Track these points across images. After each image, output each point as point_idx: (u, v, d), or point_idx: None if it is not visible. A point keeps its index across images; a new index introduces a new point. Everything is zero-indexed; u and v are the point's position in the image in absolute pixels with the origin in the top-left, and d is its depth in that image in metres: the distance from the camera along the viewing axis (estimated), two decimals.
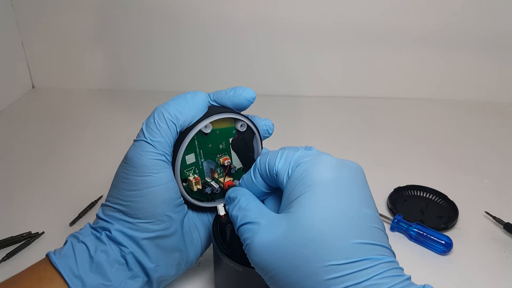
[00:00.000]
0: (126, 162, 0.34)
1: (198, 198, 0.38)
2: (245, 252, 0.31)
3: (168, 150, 0.35)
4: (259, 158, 0.35)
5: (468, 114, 0.77)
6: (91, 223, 0.36)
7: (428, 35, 0.77)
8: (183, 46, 0.81)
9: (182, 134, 0.36)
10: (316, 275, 0.27)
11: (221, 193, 0.39)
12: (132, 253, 0.34)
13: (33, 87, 0.87)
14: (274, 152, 0.34)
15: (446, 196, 0.52)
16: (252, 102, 0.39)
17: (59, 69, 0.85)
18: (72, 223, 0.49)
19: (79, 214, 0.50)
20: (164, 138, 0.34)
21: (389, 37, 0.78)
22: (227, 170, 0.38)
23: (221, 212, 0.36)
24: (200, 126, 0.36)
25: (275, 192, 0.36)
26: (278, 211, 0.34)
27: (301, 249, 0.28)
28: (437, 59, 0.80)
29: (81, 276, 0.32)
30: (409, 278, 0.28)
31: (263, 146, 0.40)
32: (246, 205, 0.33)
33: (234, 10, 0.77)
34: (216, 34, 0.79)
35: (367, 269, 0.26)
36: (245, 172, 0.38)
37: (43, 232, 0.47)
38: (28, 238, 0.46)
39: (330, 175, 0.30)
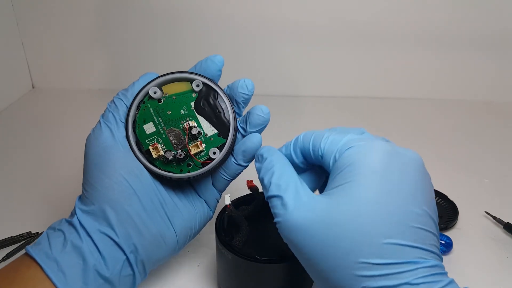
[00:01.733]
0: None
1: (171, 170, 0.36)
2: (276, 226, 0.30)
3: (113, 120, 0.36)
4: (303, 134, 0.34)
5: (468, 114, 0.77)
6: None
7: (428, 35, 0.77)
8: (183, 46, 0.81)
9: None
10: (348, 269, 0.26)
11: (190, 160, 0.36)
12: (99, 230, 0.33)
13: (33, 87, 0.87)
14: (320, 132, 0.33)
15: (446, 196, 0.52)
16: (219, 66, 0.38)
17: (59, 69, 0.85)
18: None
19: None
20: (111, 112, 0.37)
21: (389, 37, 0.78)
22: (188, 132, 0.36)
23: (227, 201, 0.36)
24: (145, 89, 0.36)
25: (311, 168, 0.35)
26: (313, 188, 0.33)
27: (337, 239, 0.27)
28: (437, 59, 0.80)
29: (55, 258, 0.32)
30: (451, 281, 0.27)
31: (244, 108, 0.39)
32: (281, 173, 0.31)
33: (235, 10, 0.77)
34: (216, 34, 0.79)
35: (403, 273, 0.26)
36: (222, 138, 0.37)
37: (42, 232, 0.47)
38: (28, 238, 0.46)
39: (379, 166, 0.28)
